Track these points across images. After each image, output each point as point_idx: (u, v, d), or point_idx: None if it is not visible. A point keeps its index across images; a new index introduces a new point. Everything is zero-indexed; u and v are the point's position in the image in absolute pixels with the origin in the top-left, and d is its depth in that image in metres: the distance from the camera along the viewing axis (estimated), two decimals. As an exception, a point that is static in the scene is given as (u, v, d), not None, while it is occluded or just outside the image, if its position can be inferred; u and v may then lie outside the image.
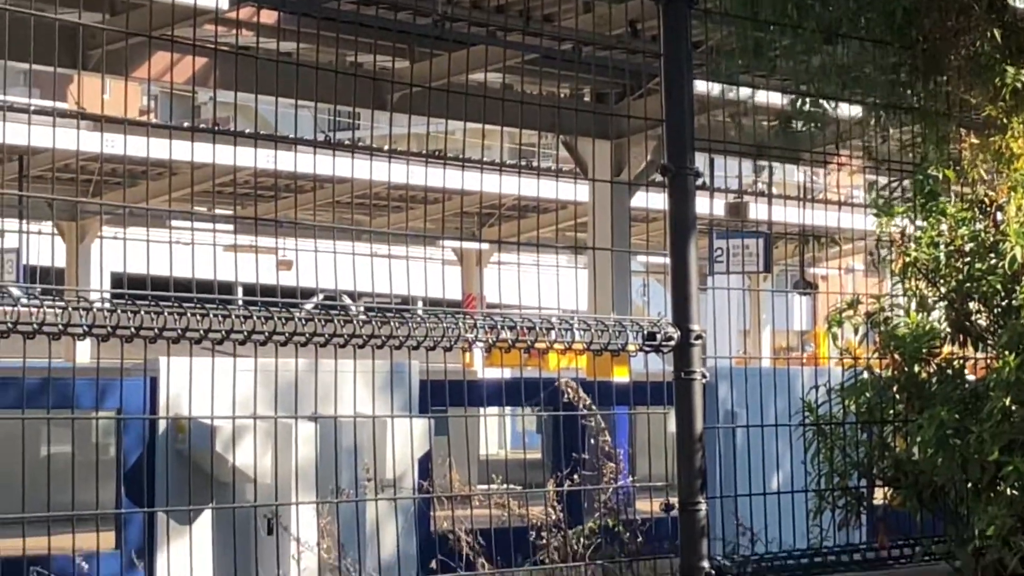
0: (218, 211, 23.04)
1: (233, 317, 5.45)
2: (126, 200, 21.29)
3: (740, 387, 13.80)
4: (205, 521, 10.25)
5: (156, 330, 5.29)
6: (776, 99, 8.33)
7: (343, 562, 7.74)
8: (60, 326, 5.05)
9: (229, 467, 9.90)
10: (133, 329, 5.25)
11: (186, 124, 22.11)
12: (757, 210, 24.74)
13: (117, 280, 6.36)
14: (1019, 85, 7.24)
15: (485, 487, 9.52)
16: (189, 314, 5.36)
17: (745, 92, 8.12)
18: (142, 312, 5.25)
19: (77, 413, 9.60)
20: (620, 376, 13.85)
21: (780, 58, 7.95)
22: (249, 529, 8.60)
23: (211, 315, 5.39)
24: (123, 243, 6.17)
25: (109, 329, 5.24)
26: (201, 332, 5.39)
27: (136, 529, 10.71)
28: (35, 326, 4.99)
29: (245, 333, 5.47)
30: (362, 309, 6.21)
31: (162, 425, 10.98)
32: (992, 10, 7.73)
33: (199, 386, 6.85)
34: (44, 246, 24.00)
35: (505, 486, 8.97)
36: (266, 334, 5.51)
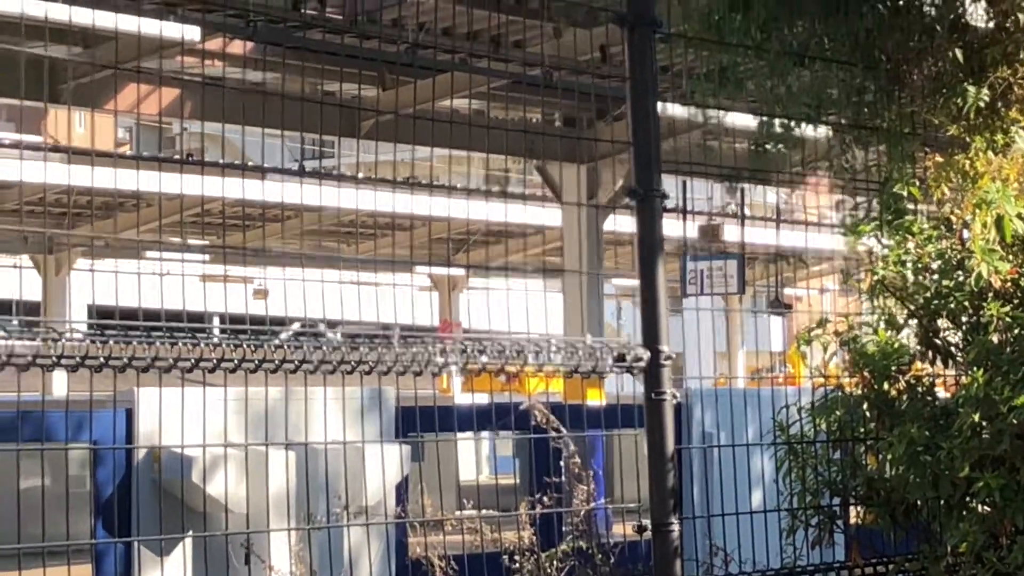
0: (191, 241, 23.00)
1: (203, 345, 5.45)
2: (100, 232, 21.26)
3: (717, 408, 13.86)
4: (184, 552, 10.24)
5: (126, 359, 5.29)
6: (748, 121, 8.37)
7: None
8: (29, 357, 5.05)
9: (204, 497, 9.87)
10: (103, 359, 5.25)
11: (156, 155, 22.12)
12: (732, 232, 24.84)
13: (95, 312, 6.37)
14: (981, 104, 7.30)
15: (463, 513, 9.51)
16: (159, 343, 5.36)
17: (715, 115, 8.17)
18: (111, 342, 5.25)
19: (51, 446, 9.57)
20: (594, 399, 13.84)
21: (747, 80, 7.99)
22: (225, 559, 8.60)
23: (180, 343, 5.39)
24: (91, 275, 6.19)
25: (78, 359, 5.23)
26: (170, 361, 5.39)
27: (112, 562, 10.67)
28: (3, 358, 4.98)
29: (215, 361, 5.47)
30: (339, 336, 6.21)
31: (139, 456, 10.94)
32: (954, 30, 7.79)
33: (177, 416, 6.83)
34: (21, 280, 23.91)
35: (478, 511, 8.95)
36: (235, 362, 5.51)
